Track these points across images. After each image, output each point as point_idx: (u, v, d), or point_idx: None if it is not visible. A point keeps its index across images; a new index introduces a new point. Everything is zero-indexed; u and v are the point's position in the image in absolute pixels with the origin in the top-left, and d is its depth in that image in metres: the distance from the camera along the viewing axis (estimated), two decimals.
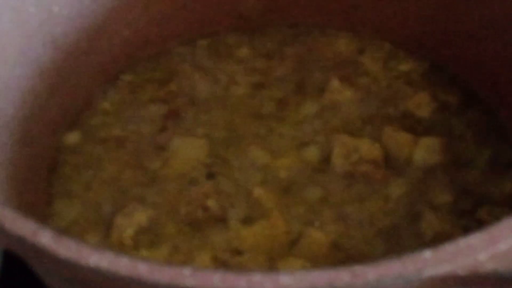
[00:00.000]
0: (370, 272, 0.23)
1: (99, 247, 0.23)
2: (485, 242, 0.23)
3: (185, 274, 0.22)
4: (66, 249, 0.23)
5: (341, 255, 0.37)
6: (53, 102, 0.41)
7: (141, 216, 0.38)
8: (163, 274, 0.23)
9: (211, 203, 0.39)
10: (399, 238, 0.38)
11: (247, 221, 0.38)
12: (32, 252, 0.24)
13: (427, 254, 0.23)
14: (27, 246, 0.24)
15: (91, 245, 0.23)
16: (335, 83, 0.44)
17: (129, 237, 0.37)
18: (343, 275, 0.23)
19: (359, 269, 0.23)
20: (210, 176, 0.40)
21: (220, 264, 0.36)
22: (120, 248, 0.37)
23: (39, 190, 0.39)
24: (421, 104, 0.43)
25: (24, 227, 0.24)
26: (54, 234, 0.23)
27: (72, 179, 0.40)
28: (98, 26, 0.43)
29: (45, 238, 0.23)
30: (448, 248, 0.23)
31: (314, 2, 0.48)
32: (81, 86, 0.43)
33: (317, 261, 0.36)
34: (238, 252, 0.37)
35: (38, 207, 0.38)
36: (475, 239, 0.23)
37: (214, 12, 0.47)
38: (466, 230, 0.38)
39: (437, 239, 0.38)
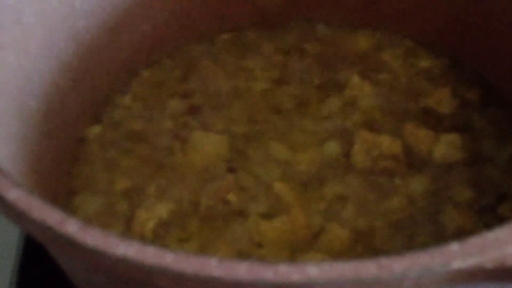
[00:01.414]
0: (396, 263, 0.23)
1: (126, 236, 0.23)
2: None
3: (212, 264, 0.23)
4: (93, 238, 0.23)
5: (362, 250, 0.37)
6: (74, 96, 0.41)
7: (162, 210, 0.38)
8: (190, 264, 0.23)
9: (231, 197, 0.39)
10: (420, 235, 0.37)
11: (268, 215, 0.38)
12: (58, 241, 0.24)
13: (455, 246, 0.23)
14: (54, 235, 0.24)
15: (117, 235, 0.23)
16: (355, 79, 0.44)
17: (150, 230, 0.37)
18: (369, 266, 0.23)
19: (385, 260, 0.23)
20: (231, 170, 0.40)
21: (241, 257, 0.36)
22: (141, 239, 0.37)
23: (61, 183, 0.39)
24: (442, 100, 0.43)
25: (52, 216, 0.24)
26: (81, 224, 0.24)
27: (94, 172, 0.40)
28: (119, 21, 0.43)
29: (72, 227, 0.23)
30: (475, 241, 0.23)
31: None
32: (102, 80, 0.43)
33: (338, 256, 0.36)
34: (258, 246, 0.37)
35: (60, 200, 0.39)
36: (502, 232, 0.23)
37: (233, 8, 0.47)
38: (487, 226, 0.38)
39: (458, 235, 0.38)
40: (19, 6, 0.36)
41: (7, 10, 0.35)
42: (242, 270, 0.22)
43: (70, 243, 0.24)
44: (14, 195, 0.25)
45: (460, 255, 0.23)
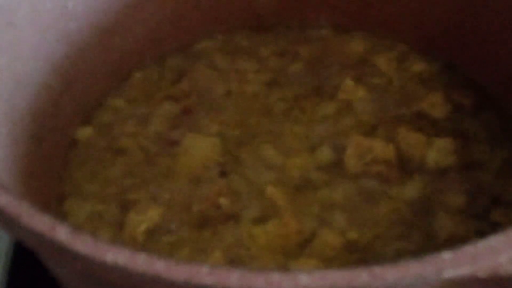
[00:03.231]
0: (389, 272, 0.23)
1: (116, 243, 0.23)
2: (506, 244, 0.23)
3: (203, 272, 0.22)
4: (83, 245, 0.23)
5: (354, 256, 0.37)
6: (66, 98, 0.40)
7: (153, 213, 0.38)
8: (181, 271, 0.22)
9: (223, 201, 0.38)
10: (412, 240, 0.37)
11: (260, 220, 0.38)
12: (48, 247, 0.24)
13: (447, 255, 0.23)
14: (44, 241, 0.24)
15: (108, 241, 0.23)
16: (349, 83, 0.44)
17: (141, 234, 0.37)
18: (362, 275, 0.22)
19: (378, 269, 0.23)
20: (223, 174, 0.40)
21: (232, 262, 0.36)
22: (132, 244, 0.36)
23: (52, 187, 0.39)
24: (435, 105, 0.43)
25: (41, 222, 0.24)
26: (71, 230, 0.23)
27: (84, 175, 0.40)
28: (111, 23, 0.43)
29: (62, 234, 0.23)
30: (468, 250, 0.23)
31: (326, 1, 0.47)
32: (94, 82, 0.43)
33: (330, 261, 0.36)
34: (250, 250, 0.37)
35: (50, 203, 0.38)
36: (495, 241, 0.23)
37: (227, 11, 0.47)
38: (480, 232, 0.38)
39: (451, 241, 0.38)
40: (11, 7, 0.36)
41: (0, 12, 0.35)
42: (234, 278, 0.22)
43: (60, 250, 0.23)
44: (4, 201, 0.24)
45: (453, 264, 0.23)
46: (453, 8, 0.44)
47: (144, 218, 0.37)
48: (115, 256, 0.23)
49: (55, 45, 0.40)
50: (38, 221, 0.24)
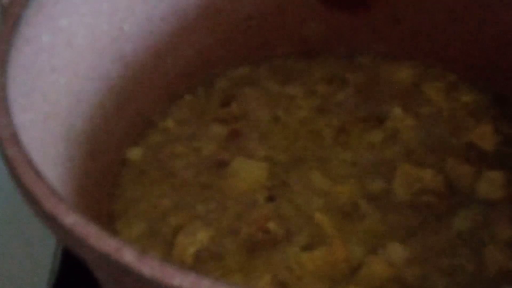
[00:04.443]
0: None
1: (182, 267, 0.23)
2: None
3: None
4: (150, 268, 0.23)
5: (400, 287, 0.37)
6: (119, 117, 0.41)
7: (203, 235, 0.38)
8: None
9: (272, 225, 0.39)
10: (461, 273, 0.37)
11: (308, 246, 0.38)
12: (114, 269, 0.24)
13: None
14: (110, 262, 0.24)
15: (174, 265, 0.23)
16: (397, 111, 0.44)
17: (191, 256, 0.37)
18: None
19: None
20: (271, 198, 0.40)
21: (281, 286, 0.36)
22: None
23: (102, 205, 0.39)
24: (485, 136, 0.43)
25: (109, 244, 0.24)
26: (138, 252, 0.24)
27: (134, 195, 0.41)
28: (165, 45, 0.43)
29: (129, 256, 0.23)
30: None
31: (376, 29, 0.48)
32: (145, 103, 0.43)
33: None
34: (298, 277, 0.37)
35: (101, 223, 0.39)
36: None
37: (277, 35, 0.48)
38: None
39: (500, 275, 0.37)
40: (71, 29, 0.37)
41: (60, 33, 0.36)
42: None
43: (126, 272, 0.24)
44: (71, 220, 0.25)
45: None
46: (503, 38, 0.44)
47: (193, 241, 0.38)
48: (181, 280, 0.23)
49: (110, 66, 0.40)
50: (105, 243, 0.24)
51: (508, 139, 0.43)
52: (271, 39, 0.48)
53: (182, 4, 0.43)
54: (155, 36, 0.42)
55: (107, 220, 0.39)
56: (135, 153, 0.43)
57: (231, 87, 0.46)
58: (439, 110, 0.44)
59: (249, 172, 0.41)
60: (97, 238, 0.24)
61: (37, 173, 0.26)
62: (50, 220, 0.25)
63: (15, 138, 0.28)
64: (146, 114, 0.44)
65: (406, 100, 0.45)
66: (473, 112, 0.44)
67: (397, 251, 0.38)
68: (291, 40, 0.48)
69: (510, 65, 0.45)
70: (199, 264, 0.37)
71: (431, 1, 0.45)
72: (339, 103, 0.45)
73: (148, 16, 0.42)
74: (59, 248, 0.45)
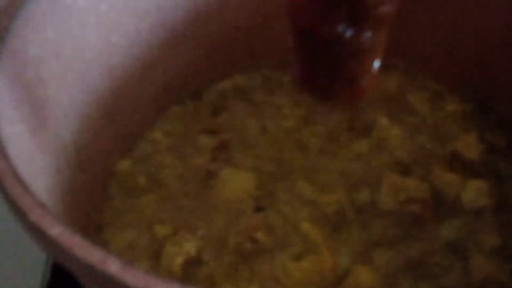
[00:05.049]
0: None
1: (167, 277, 0.23)
2: None
3: None
4: (135, 278, 0.23)
5: None
6: (108, 129, 0.41)
7: (190, 245, 0.38)
8: None
9: (259, 235, 0.39)
10: (447, 281, 0.37)
11: (295, 255, 0.38)
12: (99, 279, 0.24)
13: None
14: (95, 273, 0.24)
15: (158, 275, 0.23)
16: (383, 121, 0.44)
17: (178, 266, 0.37)
18: None
19: None
20: (259, 209, 0.40)
21: None
22: (169, 276, 0.37)
23: (90, 216, 0.40)
24: (469, 145, 0.43)
25: (93, 255, 0.24)
26: (123, 263, 0.24)
27: (122, 206, 0.41)
28: (153, 57, 0.44)
29: (114, 267, 0.24)
30: None
31: None
32: (133, 115, 0.44)
33: None
34: (285, 286, 0.37)
35: (89, 233, 0.39)
36: None
37: (263, 47, 0.48)
38: None
39: (486, 283, 0.37)
40: (59, 41, 0.37)
41: (47, 46, 0.36)
42: None
43: (111, 282, 0.24)
44: (57, 231, 0.25)
45: None
46: (487, 48, 0.45)
47: (181, 251, 0.38)
48: None
49: (98, 78, 0.41)
50: (90, 254, 0.24)
51: (493, 148, 0.43)
52: (258, 50, 0.48)
53: (170, 16, 0.44)
54: (143, 48, 0.43)
55: (96, 230, 0.39)
56: (123, 164, 0.43)
57: (218, 98, 0.47)
58: (424, 119, 0.45)
59: (237, 182, 0.41)
60: (82, 249, 0.24)
61: (23, 186, 0.27)
62: (36, 232, 0.25)
63: (2, 151, 0.28)
64: (134, 125, 0.44)
65: (392, 110, 0.45)
66: (458, 121, 0.45)
67: (383, 260, 0.38)
68: (277, 51, 0.48)
69: (494, 74, 0.45)
70: (187, 274, 0.37)
71: (415, 12, 0.45)
72: (325, 112, 0.46)
73: (136, 28, 0.42)
74: (50, 259, 0.45)
